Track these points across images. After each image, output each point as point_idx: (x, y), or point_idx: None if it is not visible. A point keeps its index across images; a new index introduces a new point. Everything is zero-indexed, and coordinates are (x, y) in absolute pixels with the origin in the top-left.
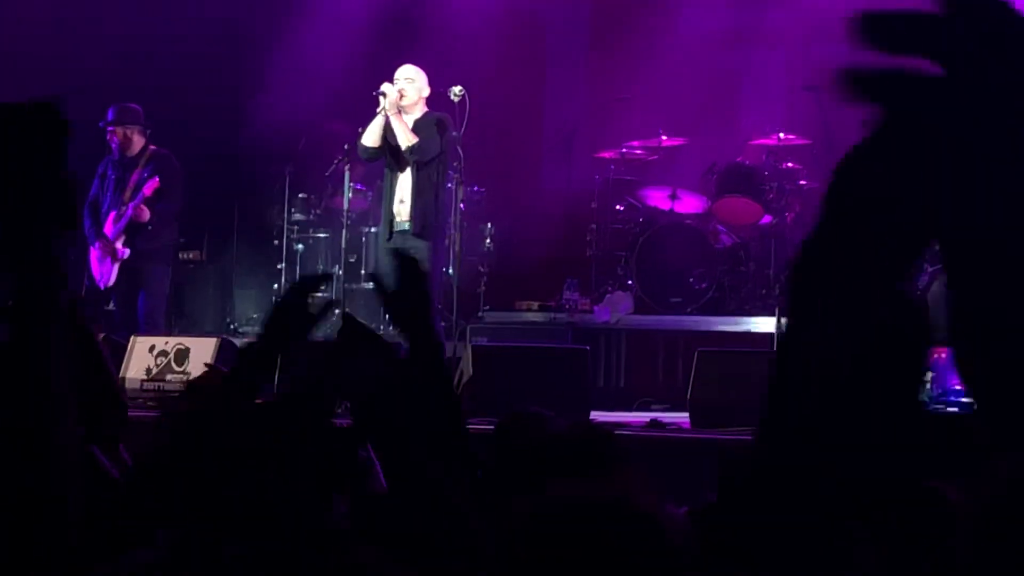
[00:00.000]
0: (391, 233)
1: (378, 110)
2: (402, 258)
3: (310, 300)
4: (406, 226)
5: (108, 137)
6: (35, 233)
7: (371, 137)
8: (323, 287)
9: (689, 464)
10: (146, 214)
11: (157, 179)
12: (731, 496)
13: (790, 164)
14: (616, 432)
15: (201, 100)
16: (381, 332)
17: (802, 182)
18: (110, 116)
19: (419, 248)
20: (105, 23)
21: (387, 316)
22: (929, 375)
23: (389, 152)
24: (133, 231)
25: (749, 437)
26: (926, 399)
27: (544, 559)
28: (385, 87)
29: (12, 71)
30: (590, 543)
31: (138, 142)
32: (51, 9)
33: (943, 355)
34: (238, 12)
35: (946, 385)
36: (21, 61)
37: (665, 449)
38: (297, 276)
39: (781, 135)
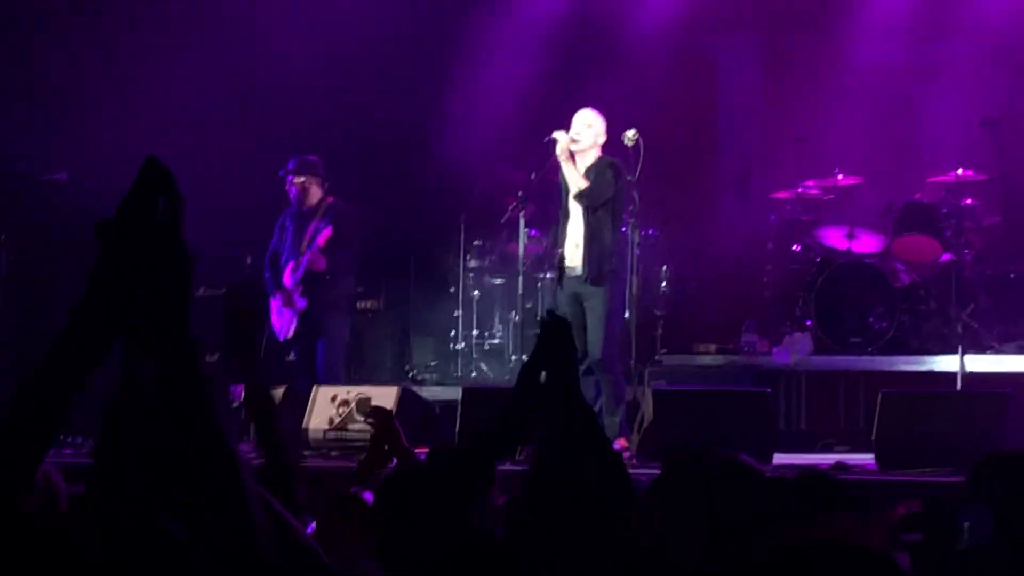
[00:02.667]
0: (561, 277)
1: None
2: (554, 322)
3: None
4: (580, 272)
5: (287, 187)
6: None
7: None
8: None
9: (879, 506)
10: (322, 263)
11: (331, 229)
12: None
13: (968, 200)
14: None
15: (377, 150)
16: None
17: (981, 218)
18: (290, 166)
19: (595, 294)
20: (284, 76)
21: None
22: None
23: (563, 197)
24: (311, 281)
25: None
26: None
27: None
28: (556, 133)
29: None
30: None
31: (316, 193)
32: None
33: None
34: (410, 63)
35: None
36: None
37: (853, 492)
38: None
39: (959, 171)
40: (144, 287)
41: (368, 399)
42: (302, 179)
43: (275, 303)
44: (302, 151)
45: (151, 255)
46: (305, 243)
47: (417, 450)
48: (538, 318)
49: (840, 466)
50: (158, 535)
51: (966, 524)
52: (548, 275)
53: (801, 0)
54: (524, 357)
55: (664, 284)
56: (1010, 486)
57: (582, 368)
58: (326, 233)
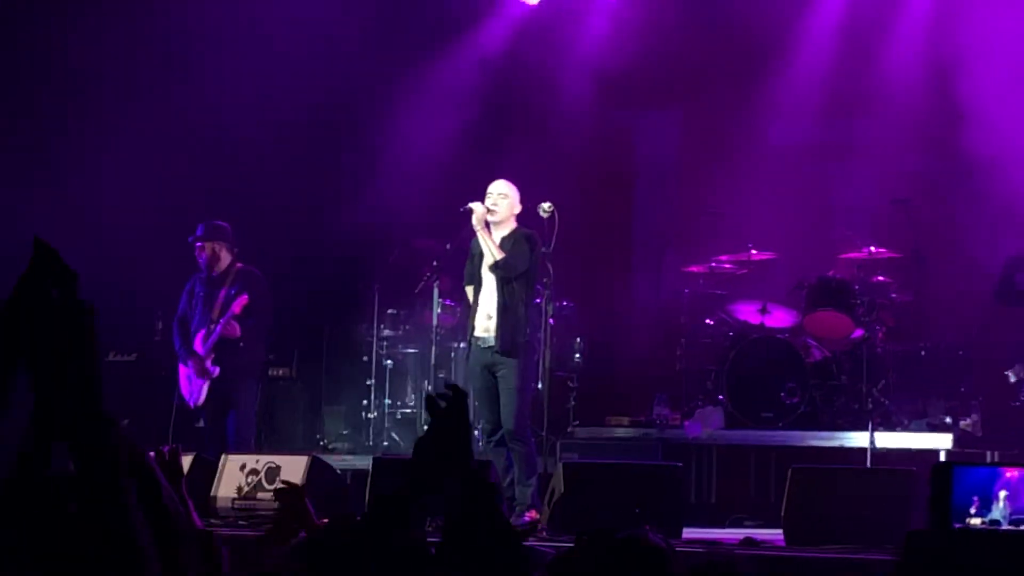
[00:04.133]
0: (470, 347)
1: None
2: (454, 390)
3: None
4: (492, 343)
5: (196, 253)
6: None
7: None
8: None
9: None
10: (236, 330)
11: (247, 296)
12: None
13: (881, 278)
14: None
15: (288, 217)
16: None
17: (893, 295)
18: (199, 232)
19: (507, 365)
20: (193, 141)
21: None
22: (1003, 493)
23: (475, 268)
24: (222, 348)
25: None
26: (999, 518)
27: None
28: (472, 204)
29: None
30: None
31: (226, 259)
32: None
33: (1016, 475)
34: (325, 129)
35: (1021, 503)
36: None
37: (760, 568)
38: (389, 391)
39: (872, 249)
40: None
41: (278, 468)
42: (211, 245)
43: (185, 370)
44: (211, 216)
45: (50, 335)
46: (217, 310)
47: (324, 521)
48: (428, 391)
49: (749, 541)
50: None
51: None
52: (462, 345)
53: (718, 77)
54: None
55: (577, 356)
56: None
57: (494, 439)
58: (241, 300)
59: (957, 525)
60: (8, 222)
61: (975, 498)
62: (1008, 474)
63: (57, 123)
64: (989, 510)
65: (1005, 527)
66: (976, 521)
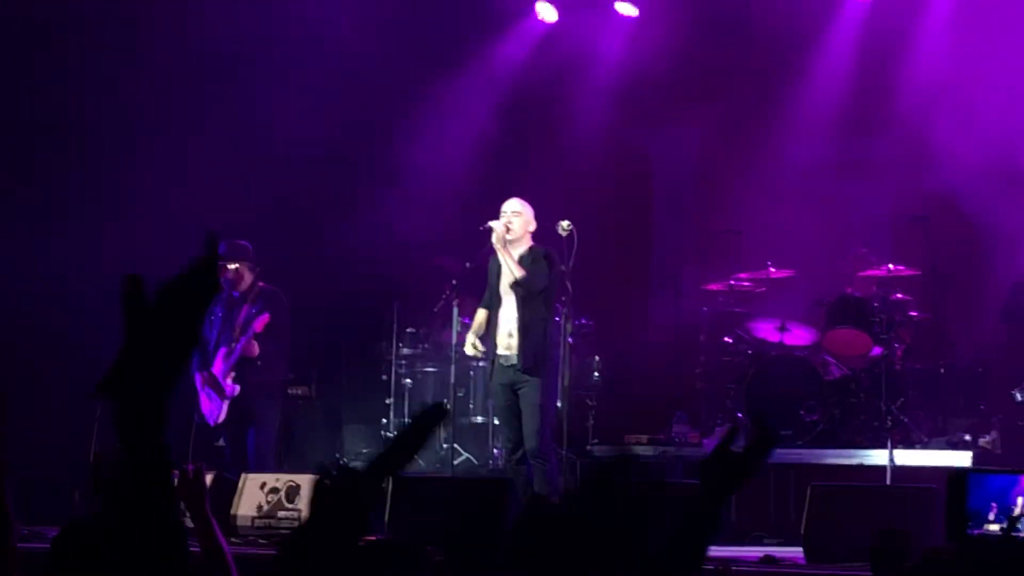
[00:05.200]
0: (493, 366)
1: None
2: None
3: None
4: (514, 361)
5: (218, 273)
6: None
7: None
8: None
9: None
10: (256, 349)
11: (268, 315)
12: None
13: (899, 295)
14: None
15: (307, 236)
16: (490, 466)
17: (912, 313)
18: (221, 251)
19: (529, 383)
20: (213, 160)
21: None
22: (1020, 500)
23: (496, 286)
24: (243, 367)
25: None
26: (1017, 524)
27: None
28: (492, 223)
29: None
30: None
31: (248, 278)
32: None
33: None
34: (344, 149)
35: None
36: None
37: None
38: (408, 410)
39: (890, 266)
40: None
41: (298, 487)
42: (234, 265)
43: (200, 384)
44: (232, 236)
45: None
46: (238, 329)
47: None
48: (471, 406)
49: (768, 559)
50: None
51: None
52: (481, 363)
53: (736, 95)
54: (456, 445)
55: (596, 374)
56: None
57: (516, 457)
58: (263, 319)
59: (975, 531)
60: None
61: (993, 504)
62: None
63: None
64: (1006, 516)
65: None
66: (994, 527)
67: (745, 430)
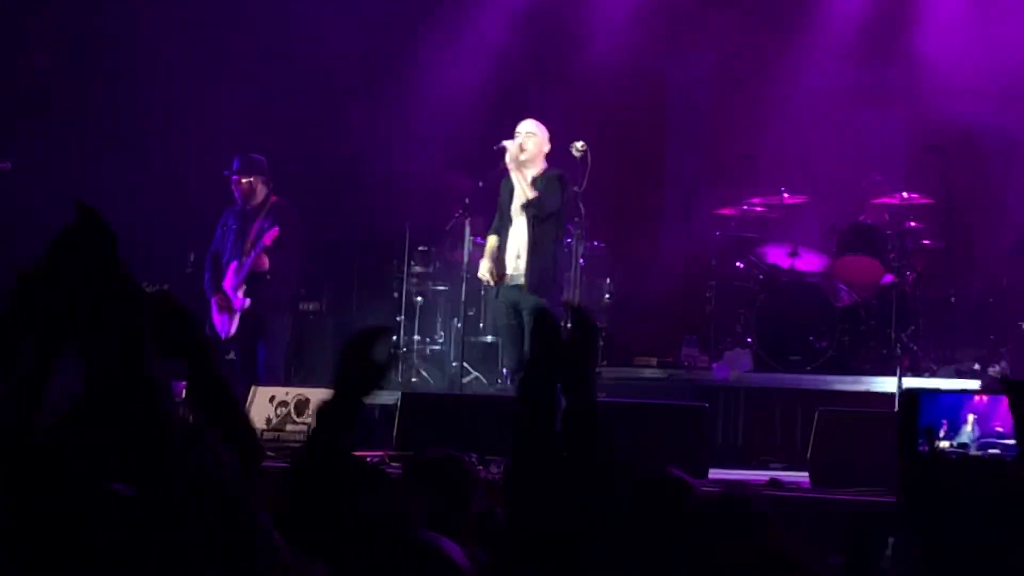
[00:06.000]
0: (497, 283)
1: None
2: (543, 316)
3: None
4: (521, 281)
5: (232, 186)
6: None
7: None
8: (384, 342)
9: (810, 524)
10: (266, 263)
11: (277, 229)
12: None
13: (912, 223)
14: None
15: (323, 152)
16: (499, 385)
17: (924, 241)
18: (235, 166)
19: (534, 303)
20: (228, 79)
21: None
22: (971, 417)
23: (508, 207)
24: (254, 281)
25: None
26: (967, 441)
27: None
28: (506, 142)
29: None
30: None
31: (261, 192)
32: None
33: (984, 399)
34: (359, 68)
35: (988, 427)
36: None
37: (785, 508)
38: (419, 328)
39: (904, 194)
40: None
41: (307, 400)
42: (248, 179)
43: (215, 305)
44: (246, 150)
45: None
46: (249, 243)
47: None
48: (481, 325)
49: (774, 482)
50: (107, 495)
51: (890, 547)
52: (489, 285)
53: (751, 19)
54: (465, 364)
55: (607, 297)
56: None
57: (520, 376)
58: (272, 233)
59: (924, 448)
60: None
61: (944, 421)
62: (976, 399)
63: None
64: (957, 433)
65: (974, 452)
66: (944, 444)
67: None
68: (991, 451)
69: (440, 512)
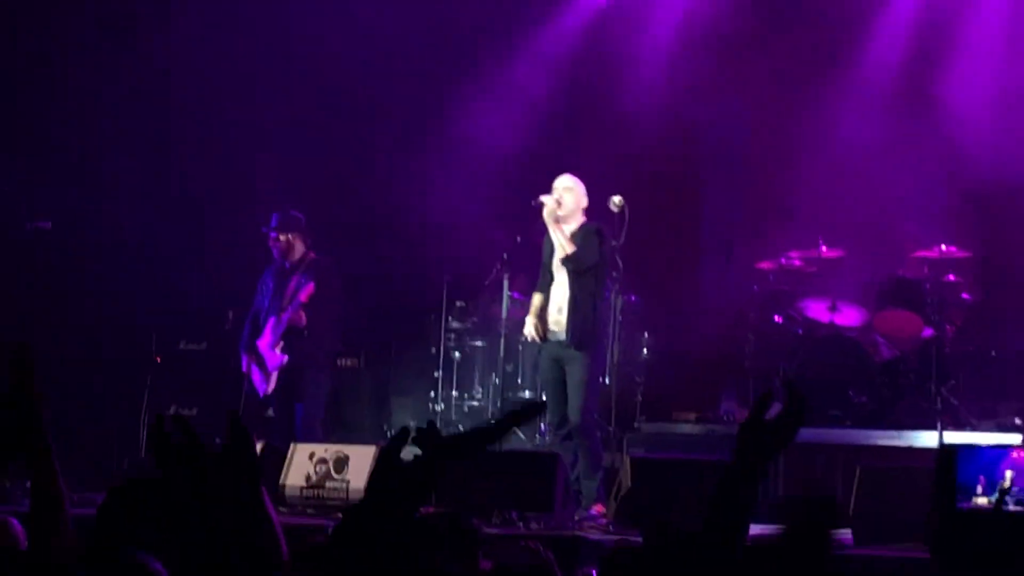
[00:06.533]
0: (542, 340)
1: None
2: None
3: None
4: (562, 336)
5: (271, 243)
6: None
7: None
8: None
9: None
10: (303, 319)
11: (312, 285)
12: None
13: (951, 277)
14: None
15: (359, 207)
16: (539, 440)
17: (964, 295)
18: (273, 223)
19: (576, 359)
20: (266, 135)
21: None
22: (1009, 474)
23: (549, 263)
24: (292, 337)
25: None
26: (1006, 497)
27: None
28: (543, 197)
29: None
30: None
31: (299, 249)
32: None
33: (1021, 453)
34: (400, 121)
35: None
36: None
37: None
38: (456, 383)
39: (942, 247)
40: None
41: (346, 457)
42: (286, 236)
43: (246, 364)
44: (285, 206)
45: None
46: (287, 299)
47: None
48: (519, 381)
49: None
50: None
51: None
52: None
53: (787, 71)
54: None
55: (645, 351)
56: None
57: (561, 432)
58: (308, 289)
59: (964, 505)
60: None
61: (980, 477)
62: (1014, 454)
63: (134, 109)
64: (995, 489)
65: (1012, 507)
66: (982, 500)
67: (779, 397)
68: None
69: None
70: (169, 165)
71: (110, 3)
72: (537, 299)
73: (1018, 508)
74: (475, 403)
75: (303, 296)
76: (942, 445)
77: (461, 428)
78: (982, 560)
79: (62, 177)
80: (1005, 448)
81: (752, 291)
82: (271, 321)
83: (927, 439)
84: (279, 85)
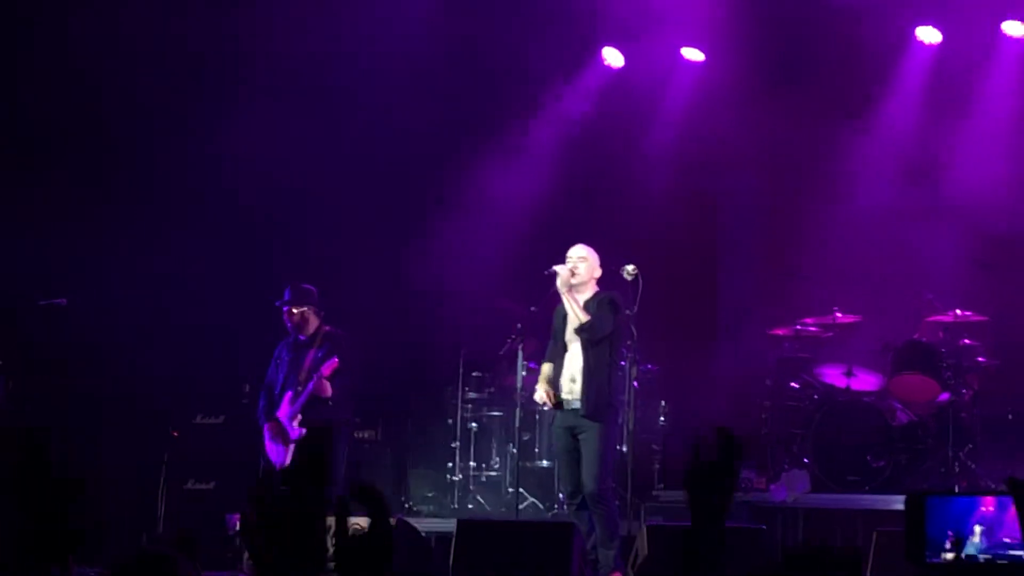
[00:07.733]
0: (555, 405)
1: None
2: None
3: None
4: (576, 406)
5: (284, 317)
6: None
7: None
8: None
9: None
10: (329, 389)
11: (336, 360)
12: None
13: (967, 341)
14: None
15: (373, 278)
16: (556, 511)
17: (980, 359)
18: (287, 296)
19: (590, 428)
20: (278, 203)
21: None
22: (978, 528)
23: (562, 332)
24: (310, 410)
25: None
26: (974, 553)
27: None
28: (557, 267)
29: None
30: None
31: (313, 322)
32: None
33: (992, 508)
34: (410, 191)
35: (996, 538)
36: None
37: None
38: (474, 454)
39: (957, 311)
40: None
41: (363, 530)
42: (300, 309)
43: (268, 433)
44: (298, 279)
45: None
46: (305, 372)
47: None
48: (536, 450)
49: None
50: None
51: None
52: (546, 407)
53: (801, 138)
54: (521, 490)
55: (662, 419)
56: None
57: (575, 502)
58: (332, 363)
59: (933, 560)
60: (108, 288)
61: (949, 532)
62: (983, 508)
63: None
64: (963, 546)
65: (982, 561)
66: (950, 556)
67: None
68: (999, 562)
69: None
70: (185, 240)
71: (115, 87)
72: (547, 368)
73: (986, 557)
74: (493, 473)
75: (326, 370)
76: (910, 494)
77: (480, 499)
78: None
79: (77, 253)
80: (974, 498)
81: (768, 358)
82: (288, 395)
83: None
84: (291, 157)
